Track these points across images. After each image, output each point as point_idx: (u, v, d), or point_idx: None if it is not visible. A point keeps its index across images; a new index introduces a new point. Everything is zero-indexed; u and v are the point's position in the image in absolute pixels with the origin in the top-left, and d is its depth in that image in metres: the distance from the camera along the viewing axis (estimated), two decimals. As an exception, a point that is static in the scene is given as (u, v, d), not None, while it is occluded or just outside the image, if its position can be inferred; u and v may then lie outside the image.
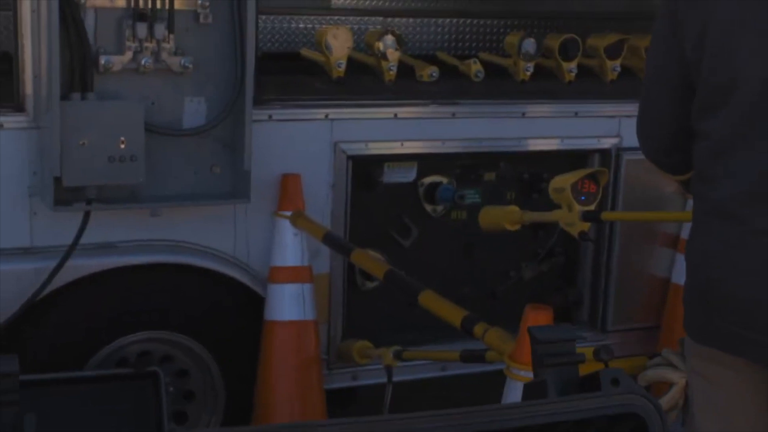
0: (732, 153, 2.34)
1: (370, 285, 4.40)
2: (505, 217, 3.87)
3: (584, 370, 2.74)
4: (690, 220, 3.95)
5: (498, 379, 4.56)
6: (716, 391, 2.47)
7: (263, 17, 4.54)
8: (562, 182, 3.61)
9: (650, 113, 2.63)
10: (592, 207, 3.61)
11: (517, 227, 3.90)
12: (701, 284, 2.43)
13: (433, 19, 5.24)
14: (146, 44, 3.79)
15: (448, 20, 5.26)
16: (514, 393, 2.75)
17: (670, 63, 2.48)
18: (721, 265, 2.38)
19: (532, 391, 1.16)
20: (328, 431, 1.07)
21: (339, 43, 4.35)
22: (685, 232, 4.59)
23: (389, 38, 4.44)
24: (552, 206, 3.67)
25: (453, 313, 3.13)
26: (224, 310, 4.14)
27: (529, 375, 2.72)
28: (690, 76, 2.43)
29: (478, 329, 2.99)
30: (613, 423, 1.17)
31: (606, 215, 3.88)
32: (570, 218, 3.62)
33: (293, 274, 4.08)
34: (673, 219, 4.48)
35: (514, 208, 3.88)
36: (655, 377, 2.85)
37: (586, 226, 3.62)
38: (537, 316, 2.73)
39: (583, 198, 3.60)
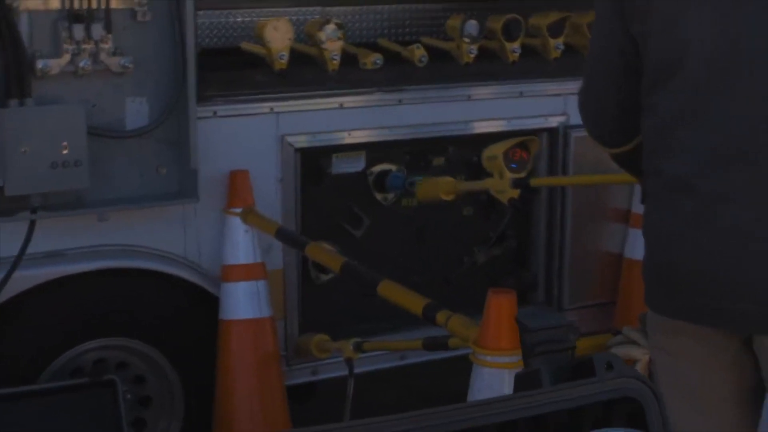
0: (684, 126, 2.34)
1: (324, 278, 4.36)
2: (440, 187, 4.09)
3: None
4: (621, 181, 4.01)
5: (458, 365, 4.55)
6: (682, 364, 2.47)
7: (200, 12, 4.46)
8: (494, 150, 3.80)
9: (593, 93, 2.62)
10: (524, 174, 3.73)
11: (452, 197, 4.11)
12: (662, 259, 2.43)
13: (372, 6, 5.20)
14: (84, 46, 3.70)
15: (387, 6, 5.21)
16: (481, 378, 2.72)
17: (613, 44, 2.47)
18: (680, 239, 2.37)
19: (523, 381, 1.12)
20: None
21: (280, 35, 4.29)
22: (636, 207, 4.60)
23: (330, 27, 4.38)
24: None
25: (414, 302, 3.10)
26: (178, 312, 4.07)
27: (496, 360, 2.70)
28: (634, 56, 2.42)
29: (440, 317, 2.96)
30: (609, 409, 1.13)
31: (534, 181, 3.92)
32: (500, 185, 3.81)
33: (246, 272, 4.02)
34: (602, 182, 4.45)
35: (449, 178, 4.11)
36: (619, 354, 2.83)
37: (515, 192, 3.79)
38: (500, 301, 2.70)
39: (514, 165, 3.79)
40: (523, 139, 3.70)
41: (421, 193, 4.22)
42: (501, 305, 2.70)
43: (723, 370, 2.41)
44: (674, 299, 2.41)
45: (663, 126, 2.39)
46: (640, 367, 2.81)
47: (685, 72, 2.31)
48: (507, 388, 2.69)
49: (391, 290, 3.20)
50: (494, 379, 2.68)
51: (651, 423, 1.13)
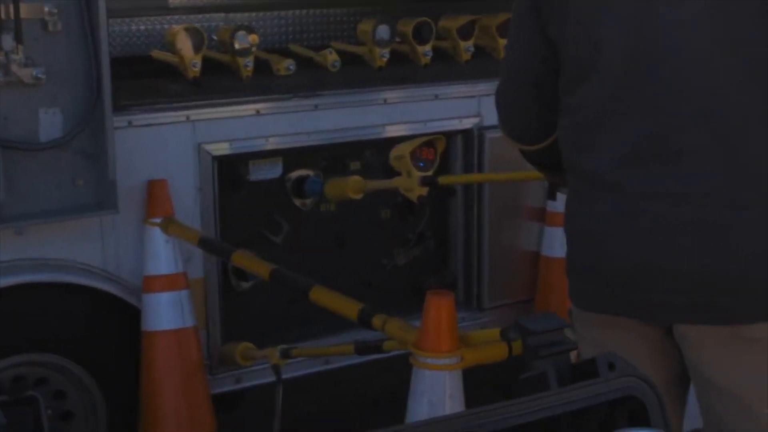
0: (602, 124, 2.38)
1: (245, 285, 4.33)
2: (348, 186, 4.13)
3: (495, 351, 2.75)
4: (528, 178, 4.10)
5: (383, 367, 4.58)
6: None
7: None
8: (401, 150, 3.82)
9: (512, 93, 2.66)
10: (431, 172, 3.82)
11: (360, 195, 4.14)
12: (584, 255, 2.47)
13: (278, 12, 5.18)
14: (-6, 57, 3.62)
15: (291, 12, 5.20)
16: (422, 381, 2.73)
17: (531, 47, 2.51)
18: (601, 234, 2.41)
19: (529, 384, 1.14)
20: None
21: (192, 43, 4.25)
22: (550, 205, 4.67)
23: (242, 33, 4.36)
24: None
25: (348, 307, 3.09)
26: (99, 325, 4.00)
27: (436, 362, 2.71)
28: (552, 58, 2.46)
29: (376, 321, 2.96)
30: (613, 408, 1.15)
31: (443, 179, 3.99)
32: (409, 184, 3.85)
33: (168, 282, 3.97)
34: (510, 179, 4.51)
35: (357, 177, 4.16)
36: None
37: (423, 190, 3.85)
38: (439, 302, 2.72)
39: (421, 164, 3.84)
40: (429, 138, 3.76)
41: (329, 193, 4.25)
42: (440, 307, 2.72)
43: (649, 361, 2.45)
44: (597, 294, 2.45)
45: (582, 124, 2.43)
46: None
47: (600, 72, 2.35)
48: (448, 389, 2.71)
49: (323, 295, 3.19)
50: (436, 381, 2.69)
51: (653, 420, 1.15)
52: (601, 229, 2.42)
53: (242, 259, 3.58)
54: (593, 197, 2.43)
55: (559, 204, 4.57)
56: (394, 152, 3.85)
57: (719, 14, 2.24)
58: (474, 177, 4.56)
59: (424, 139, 3.77)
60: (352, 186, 4.16)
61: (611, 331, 2.46)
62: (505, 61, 2.73)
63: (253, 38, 4.36)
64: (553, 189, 4.45)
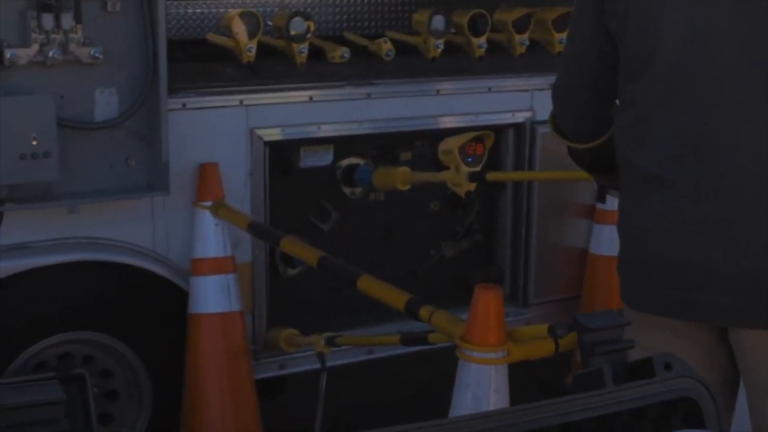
0: (657, 120, 2.37)
1: (292, 272, 4.34)
2: (396, 177, 4.16)
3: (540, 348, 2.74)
4: (577, 178, 4.08)
5: (427, 359, 4.58)
6: None
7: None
8: (450, 144, 3.82)
9: (571, 89, 2.65)
10: (479, 168, 3.82)
11: (407, 187, 4.19)
12: (636, 252, 2.45)
13: (333, 0, 5.18)
14: (53, 36, 3.64)
15: (349, 1, 5.20)
16: (468, 374, 2.73)
17: (593, 43, 2.51)
18: (653, 231, 2.40)
19: (585, 381, 1.13)
20: None
21: (248, 28, 4.26)
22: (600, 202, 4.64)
23: (298, 20, 4.36)
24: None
25: (395, 297, 3.09)
26: (147, 306, 4.03)
27: (483, 356, 2.70)
28: (613, 54, 2.46)
29: (423, 312, 2.96)
30: (668, 409, 1.14)
31: (491, 175, 3.98)
32: (457, 179, 3.84)
33: (216, 266, 3.99)
34: (559, 178, 4.49)
35: (405, 168, 4.18)
36: None
37: (471, 186, 3.84)
38: (488, 296, 2.71)
39: (470, 159, 3.82)
40: (478, 133, 3.76)
41: (377, 182, 4.27)
42: (488, 301, 2.71)
43: (699, 364, 2.43)
44: (649, 293, 2.43)
45: (637, 119, 2.42)
46: None
47: (658, 67, 2.35)
48: (494, 383, 2.70)
49: (371, 285, 3.19)
50: (482, 375, 2.69)
51: (708, 423, 1.13)
52: (650, 225, 2.41)
53: (291, 245, 3.59)
54: (644, 192, 2.42)
55: (608, 201, 4.54)
56: (443, 146, 3.86)
57: None
58: (522, 175, 4.54)
59: (474, 134, 3.77)
60: (400, 177, 4.19)
61: (659, 333, 2.44)
62: (565, 56, 2.73)
63: (309, 25, 4.35)
64: (602, 191, 4.42)
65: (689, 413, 1.15)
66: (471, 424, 1.06)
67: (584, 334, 1.14)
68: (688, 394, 1.14)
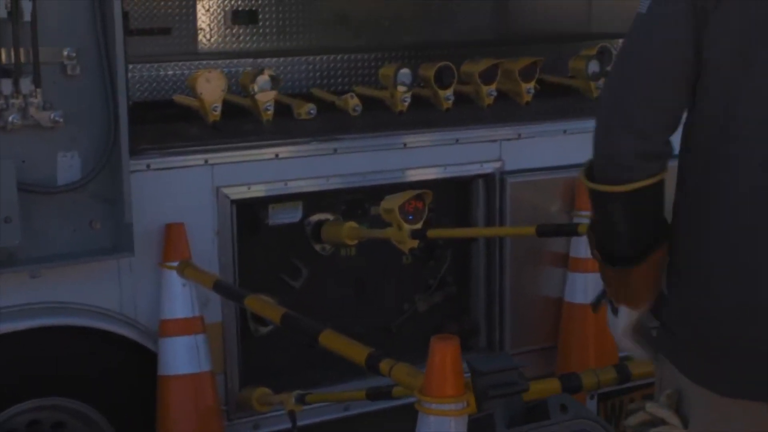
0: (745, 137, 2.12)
1: (263, 330, 4.31)
2: (344, 232, 4.24)
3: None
4: (525, 234, 4.02)
5: (401, 413, 4.51)
6: None
7: (130, 66, 4.42)
8: (390, 204, 3.94)
9: (640, 96, 2.19)
10: (419, 225, 3.93)
11: (355, 242, 4.28)
12: (723, 333, 2.14)
13: (304, 58, 5.20)
14: (12, 101, 3.64)
15: (318, 57, 5.22)
16: (427, 426, 2.67)
17: (671, 57, 2.17)
18: (750, 312, 2.11)
19: (477, 426, 1.09)
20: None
21: (212, 87, 4.27)
22: (573, 251, 4.61)
23: (263, 78, 4.37)
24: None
25: (357, 352, 3.05)
26: (115, 369, 3.98)
27: (441, 407, 2.65)
28: (694, 66, 2.18)
29: (384, 366, 2.92)
30: (566, 451, 1.11)
31: (431, 232, 4.04)
32: (399, 236, 3.96)
33: (185, 326, 3.96)
34: (491, 234, 4.55)
35: (353, 223, 4.27)
36: None
37: (414, 243, 3.96)
38: (444, 347, 2.66)
39: (410, 217, 3.94)
40: (418, 192, 3.84)
41: (326, 236, 4.32)
42: (445, 351, 2.66)
43: None
44: (732, 375, 2.15)
45: (720, 135, 2.15)
46: None
47: (749, 86, 2.11)
48: (453, 435, 2.66)
49: (333, 340, 3.16)
50: (441, 426, 2.63)
51: (609, 464, 1.10)
52: (737, 305, 2.13)
53: (255, 303, 3.56)
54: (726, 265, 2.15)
55: (581, 249, 4.52)
56: (384, 205, 3.97)
57: None
58: (463, 231, 4.53)
59: (413, 192, 3.87)
60: (347, 232, 4.25)
61: (740, 425, 2.18)
62: (630, 65, 2.23)
63: (274, 81, 4.36)
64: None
65: (589, 455, 1.11)
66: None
67: (477, 378, 1.11)
68: (585, 435, 1.10)
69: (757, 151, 2.11)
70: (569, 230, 4.17)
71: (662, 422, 2.28)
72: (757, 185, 2.11)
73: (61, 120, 3.71)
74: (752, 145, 2.12)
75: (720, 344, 2.15)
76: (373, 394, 3.38)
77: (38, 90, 3.67)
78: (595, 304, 2.29)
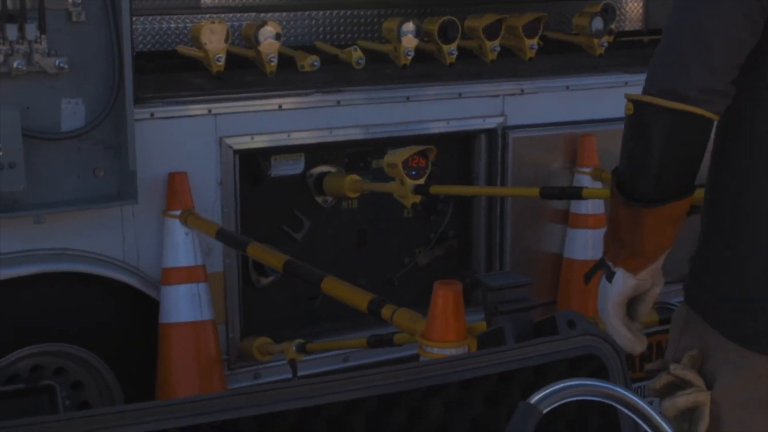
0: None
1: (265, 281, 4.33)
2: (345, 185, 4.25)
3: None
4: (528, 195, 4.01)
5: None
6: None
7: (135, 19, 4.41)
8: (394, 158, 3.94)
9: (712, 27, 2.08)
10: (422, 181, 3.93)
11: (356, 194, 4.30)
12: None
13: (308, 12, 5.19)
14: (17, 46, 3.64)
15: (322, 12, 5.21)
16: (428, 371, 2.71)
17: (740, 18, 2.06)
18: None
19: (487, 339, 1.12)
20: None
21: (216, 37, 4.26)
22: (574, 207, 4.63)
23: (267, 29, 4.36)
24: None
25: (358, 298, 3.08)
26: (117, 316, 4.02)
27: (443, 352, 2.68)
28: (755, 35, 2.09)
29: (385, 311, 2.95)
30: (573, 366, 1.13)
31: (434, 188, 4.05)
32: (402, 191, 3.96)
33: (187, 275, 3.98)
34: (506, 194, 4.55)
35: (355, 176, 4.27)
36: (688, 403, 2.19)
37: (417, 198, 3.96)
38: (446, 292, 2.69)
39: (413, 173, 3.94)
40: (421, 148, 3.85)
41: (328, 188, 4.34)
42: (447, 297, 2.69)
43: None
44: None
45: None
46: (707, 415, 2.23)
47: None
48: (454, 379, 2.68)
49: (334, 286, 3.18)
50: (441, 370, 2.67)
51: (613, 378, 1.12)
52: None
53: (257, 250, 3.58)
54: None
55: (581, 206, 4.54)
56: (388, 159, 3.98)
57: None
58: (466, 189, 4.55)
59: (417, 148, 3.88)
60: (349, 185, 4.26)
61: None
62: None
63: (278, 32, 4.35)
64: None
65: (594, 370, 1.14)
66: (373, 379, 1.05)
67: (487, 293, 1.13)
68: (591, 351, 1.12)
69: None
70: (573, 193, 4.14)
71: (689, 384, 2.20)
72: None
73: (66, 66, 3.72)
74: None
75: (763, 300, 2.11)
76: (375, 342, 3.40)
77: (43, 36, 3.67)
78: (589, 275, 2.21)
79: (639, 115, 2.12)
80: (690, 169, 2.13)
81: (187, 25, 4.83)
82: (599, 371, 1.13)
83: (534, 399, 0.92)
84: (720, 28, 2.07)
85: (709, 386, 2.17)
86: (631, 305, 2.10)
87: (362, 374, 1.01)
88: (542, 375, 1.11)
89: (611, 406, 1.07)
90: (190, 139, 4.04)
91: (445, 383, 1.07)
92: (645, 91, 2.13)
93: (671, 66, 2.10)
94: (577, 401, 1.10)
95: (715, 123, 2.12)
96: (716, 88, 2.07)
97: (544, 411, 0.93)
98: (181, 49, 4.55)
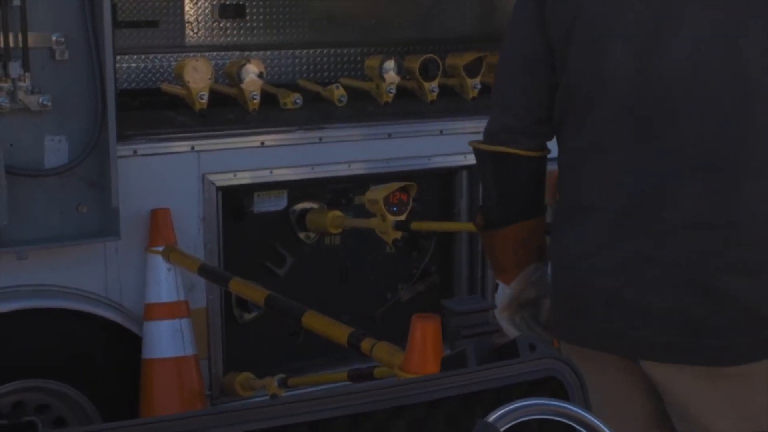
0: (601, 154, 2.26)
1: (248, 317, 4.35)
2: (328, 221, 4.29)
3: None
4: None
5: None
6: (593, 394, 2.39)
7: (119, 57, 4.46)
8: (375, 195, 3.98)
9: (508, 86, 2.38)
10: (404, 217, 3.97)
11: (339, 230, 4.35)
12: (566, 282, 2.35)
13: (290, 51, 5.25)
14: (1, 84, 3.68)
15: (305, 51, 5.27)
16: (407, 404, 2.73)
17: (533, 42, 2.30)
18: (585, 261, 2.29)
19: (449, 362, 1.15)
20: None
21: (199, 75, 4.31)
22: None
23: (249, 68, 4.41)
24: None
25: (338, 332, 3.10)
26: (100, 352, 4.02)
27: (421, 384, 2.71)
28: (552, 60, 2.30)
29: (365, 345, 2.97)
30: (534, 388, 1.16)
31: (415, 225, 4.08)
32: (383, 227, 4.00)
33: (169, 310, 4.00)
34: (473, 230, 4.53)
35: (337, 212, 4.32)
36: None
37: (398, 234, 3.99)
38: (425, 325, 2.73)
39: (395, 209, 3.97)
40: (402, 184, 3.88)
41: (311, 224, 4.37)
42: (425, 330, 2.73)
43: (632, 398, 2.33)
44: (578, 325, 2.32)
45: (578, 152, 2.31)
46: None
47: (606, 99, 2.21)
48: (432, 411, 2.70)
49: (315, 321, 3.20)
50: (420, 402, 2.69)
51: (573, 399, 1.15)
52: (581, 255, 2.29)
53: (239, 286, 3.61)
54: (576, 222, 2.32)
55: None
56: (369, 196, 4.01)
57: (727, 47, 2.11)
58: (445, 225, 4.58)
59: (398, 184, 3.91)
60: (331, 221, 4.30)
61: (594, 369, 2.27)
62: (502, 57, 2.42)
63: (261, 70, 4.40)
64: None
65: (554, 391, 1.16)
66: (338, 400, 1.08)
67: (450, 317, 1.16)
68: (551, 373, 1.15)
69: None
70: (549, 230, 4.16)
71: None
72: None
73: (50, 104, 3.76)
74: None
75: (563, 296, 2.33)
76: (355, 376, 3.42)
77: (27, 74, 3.71)
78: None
79: (476, 157, 2.48)
80: (521, 197, 2.44)
81: (171, 63, 4.88)
82: (559, 392, 1.15)
83: (491, 417, 0.95)
84: (506, 71, 2.36)
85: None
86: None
87: (327, 395, 1.04)
88: (504, 397, 1.14)
89: (573, 428, 1.10)
90: (173, 176, 4.07)
91: (409, 404, 1.09)
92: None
93: (490, 110, 2.44)
94: (539, 423, 1.13)
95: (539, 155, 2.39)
96: (516, 128, 2.35)
97: (502, 430, 0.96)
98: (165, 87, 4.60)
